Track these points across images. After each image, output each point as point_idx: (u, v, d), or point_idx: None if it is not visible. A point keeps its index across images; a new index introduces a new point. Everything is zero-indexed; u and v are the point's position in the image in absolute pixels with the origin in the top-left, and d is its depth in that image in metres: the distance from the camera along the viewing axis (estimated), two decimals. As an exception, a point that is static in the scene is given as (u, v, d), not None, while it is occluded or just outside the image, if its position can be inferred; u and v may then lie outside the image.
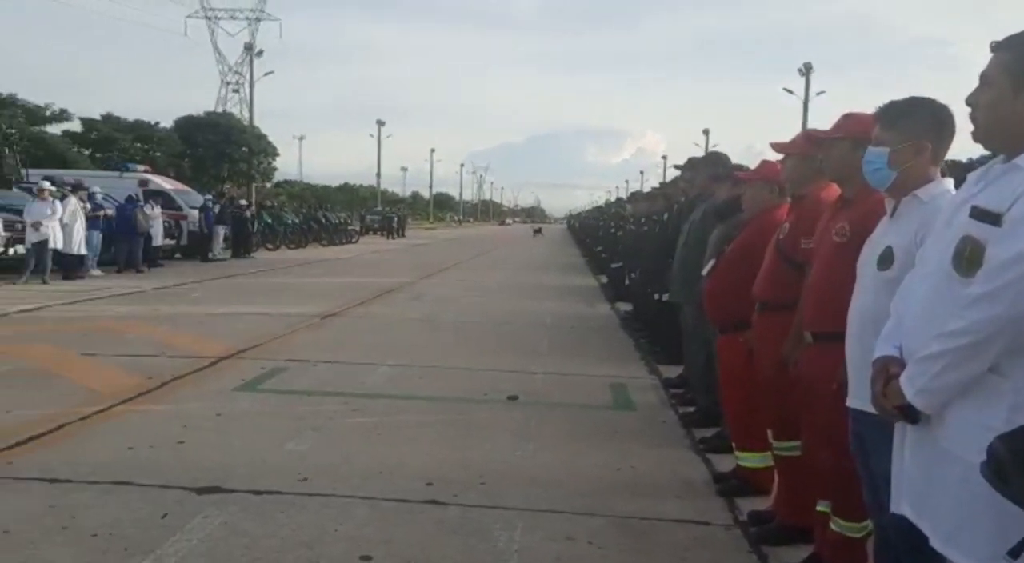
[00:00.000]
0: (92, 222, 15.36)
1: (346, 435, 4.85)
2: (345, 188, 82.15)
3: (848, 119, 2.89)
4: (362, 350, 7.77)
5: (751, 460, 3.92)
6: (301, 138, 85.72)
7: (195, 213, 20.43)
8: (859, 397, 2.22)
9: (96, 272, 15.34)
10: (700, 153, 22.48)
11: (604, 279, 16.08)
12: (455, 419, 5.33)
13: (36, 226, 13.56)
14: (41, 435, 4.61)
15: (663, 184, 10.71)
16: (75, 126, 38.49)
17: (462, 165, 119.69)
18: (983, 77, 1.84)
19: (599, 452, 4.65)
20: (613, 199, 37.83)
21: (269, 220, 27.03)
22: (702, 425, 5.08)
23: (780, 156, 3.63)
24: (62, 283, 13.55)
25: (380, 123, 68.77)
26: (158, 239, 17.94)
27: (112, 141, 38.62)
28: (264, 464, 4.21)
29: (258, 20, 66.37)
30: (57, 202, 14.10)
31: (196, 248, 20.31)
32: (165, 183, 22.07)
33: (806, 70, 40.21)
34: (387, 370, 6.81)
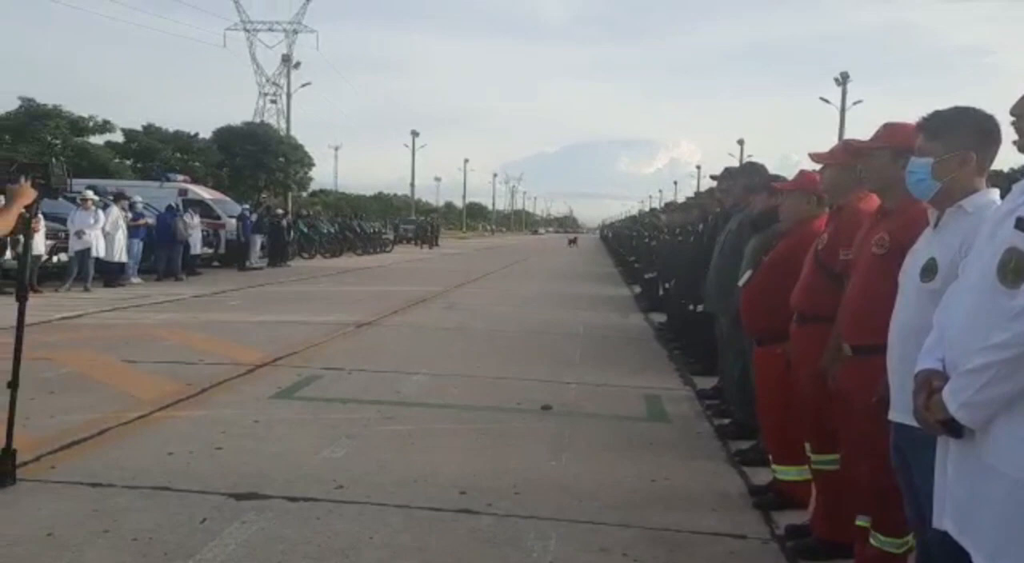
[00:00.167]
0: (133, 231, 15.66)
1: (380, 443, 4.88)
2: (379, 198, 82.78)
3: (888, 129, 2.87)
4: (396, 358, 7.82)
5: (788, 473, 3.87)
6: (337, 148, 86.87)
7: (233, 222, 20.71)
8: (901, 410, 2.19)
9: (136, 280, 15.62)
10: (735, 163, 22.37)
11: (637, 289, 16.01)
12: (488, 428, 5.33)
13: (79, 235, 13.86)
14: (84, 440, 4.70)
15: (698, 194, 10.67)
16: (117, 137, 39.22)
17: (495, 175, 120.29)
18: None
19: (633, 463, 4.63)
20: (646, 209, 37.67)
21: (305, 229, 27.30)
22: (737, 437, 5.04)
23: (818, 166, 3.60)
24: (103, 291, 13.81)
25: (414, 133, 69.32)
26: (197, 248, 18.20)
27: (153, 152, 39.30)
28: (300, 471, 4.26)
29: (296, 32, 67.24)
30: (100, 211, 14.41)
31: (234, 256, 20.57)
32: (204, 193, 22.40)
33: (843, 79, 39.74)
34: (421, 378, 6.84)
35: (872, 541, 2.85)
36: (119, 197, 16.09)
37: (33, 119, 33.79)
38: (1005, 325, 1.70)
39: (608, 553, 3.36)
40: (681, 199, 15.99)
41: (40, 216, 9.28)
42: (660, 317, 10.95)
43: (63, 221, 13.95)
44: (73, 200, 14.10)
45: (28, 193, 3.84)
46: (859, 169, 3.00)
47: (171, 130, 42.35)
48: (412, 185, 72.69)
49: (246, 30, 69.06)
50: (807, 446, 3.48)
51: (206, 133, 43.93)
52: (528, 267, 26.26)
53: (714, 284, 5.42)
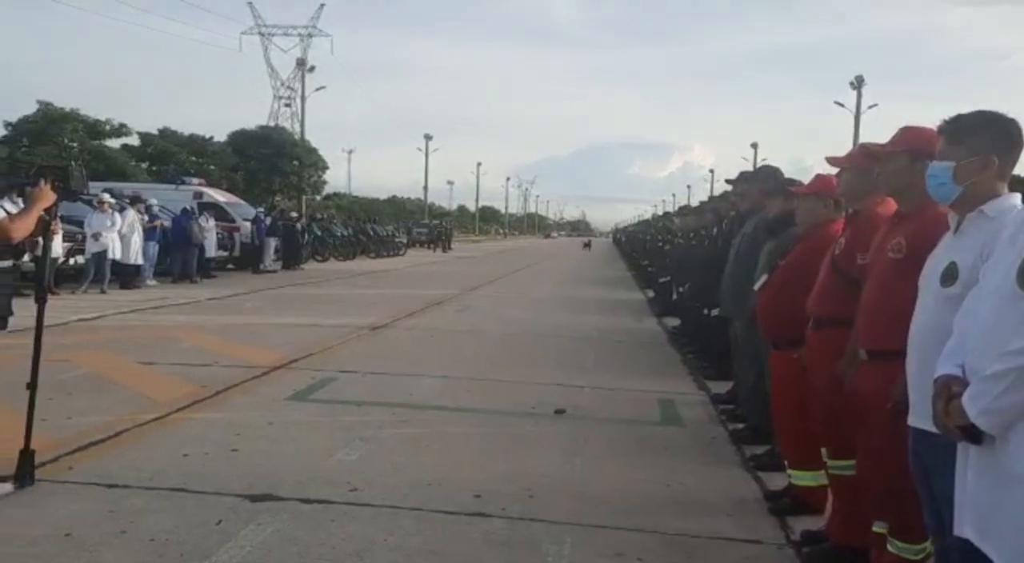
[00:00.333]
0: (149, 233, 15.77)
1: (394, 446, 4.89)
2: (393, 201, 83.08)
3: (905, 132, 2.85)
4: (410, 361, 7.83)
5: (804, 478, 3.85)
6: (350, 152, 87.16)
7: (247, 225, 20.81)
8: (920, 416, 2.18)
9: (152, 282, 15.72)
10: (749, 167, 22.26)
11: (651, 293, 15.98)
12: (502, 432, 5.33)
13: (96, 237, 13.97)
14: (101, 441, 4.73)
15: (712, 198, 10.64)
16: (133, 140, 39.54)
17: (508, 179, 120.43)
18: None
19: (648, 468, 4.62)
20: (659, 213, 37.61)
21: (319, 232, 27.40)
22: (752, 442, 5.02)
23: (834, 170, 3.59)
24: (119, 293, 13.91)
25: (428, 137, 69.53)
26: (212, 250, 18.30)
27: (168, 155, 39.59)
28: (315, 473, 4.27)
29: (310, 36, 67.57)
30: (116, 214, 14.53)
31: (248, 259, 20.67)
32: (219, 196, 22.52)
33: (858, 83, 39.57)
34: (434, 381, 6.85)
35: (890, 547, 2.83)
36: (135, 200, 16.21)
37: (51, 122, 34.12)
38: (1025, 331, 1.69)
39: (623, 558, 3.35)
40: (694, 203, 15.97)
41: (58, 218, 9.35)
42: (674, 321, 10.92)
43: (80, 224, 14.05)
44: (90, 203, 14.21)
45: (48, 196, 3.88)
46: (876, 173, 2.99)
47: (186, 133, 42.66)
48: (425, 188, 72.95)
49: (261, 34, 69.49)
50: (823, 451, 3.46)
51: (221, 137, 44.24)
52: (541, 270, 26.26)
53: (729, 288, 5.40)
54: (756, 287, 4.22)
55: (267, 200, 37.40)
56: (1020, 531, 1.71)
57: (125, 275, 14.79)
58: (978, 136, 2.26)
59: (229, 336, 9.13)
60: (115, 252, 14.26)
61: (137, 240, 15.02)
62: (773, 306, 3.93)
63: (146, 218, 15.94)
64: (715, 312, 6.50)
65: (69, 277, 14.11)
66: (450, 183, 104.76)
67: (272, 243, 21.49)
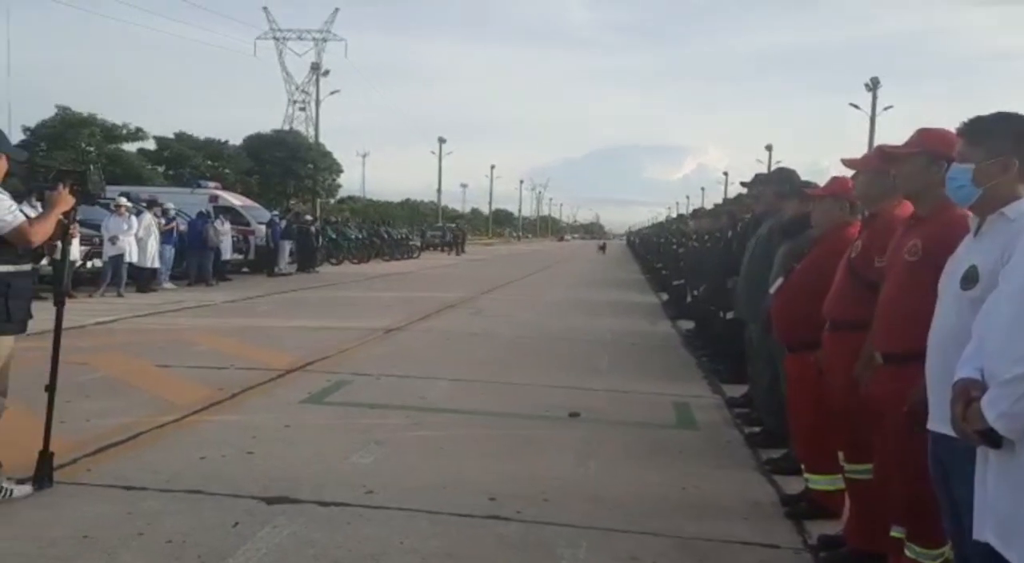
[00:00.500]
0: (165, 237, 15.88)
1: (409, 449, 4.90)
2: (407, 204, 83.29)
3: (922, 134, 2.83)
4: (424, 364, 7.85)
5: (821, 482, 3.83)
6: (365, 155, 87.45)
7: (262, 228, 20.92)
8: (939, 419, 2.16)
9: (168, 285, 15.82)
10: (763, 170, 22.19)
11: (665, 296, 15.94)
12: (516, 434, 5.33)
13: (113, 240, 14.08)
14: (118, 443, 4.77)
15: (727, 201, 10.61)
16: (149, 144, 39.88)
17: (521, 181, 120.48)
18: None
19: (663, 471, 4.61)
20: (673, 216, 37.52)
21: (333, 235, 27.51)
22: (767, 446, 5.00)
23: (850, 172, 3.57)
24: (136, 296, 14.01)
25: (441, 140, 69.75)
26: (227, 253, 18.39)
27: (184, 159, 39.88)
28: (331, 476, 4.28)
29: (325, 41, 67.99)
30: (133, 217, 14.63)
31: (263, 262, 20.77)
32: (234, 199, 22.66)
33: (873, 85, 39.35)
34: (449, 384, 6.86)
35: (907, 552, 2.81)
36: (152, 204, 16.32)
37: (69, 127, 34.46)
38: (1046, 335, 1.68)
39: (638, 561, 3.34)
40: (708, 206, 15.91)
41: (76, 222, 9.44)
42: (688, 324, 10.89)
43: (97, 227, 14.17)
44: (107, 206, 14.32)
45: (67, 200, 3.92)
46: (892, 175, 2.97)
47: (202, 137, 42.98)
48: (439, 192, 73.10)
49: (276, 39, 69.97)
50: (840, 455, 3.44)
51: (236, 140, 44.54)
52: (554, 273, 26.24)
53: (744, 290, 5.38)
54: (772, 290, 4.21)
55: (282, 203, 37.59)
56: (1042, 536, 1.69)
57: (142, 278, 14.89)
58: (998, 137, 2.23)
59: (245, 339, 9.18)
60: (132, 255, 14.36)
61: (153, 243, 15.12)
62: (788, 309, 3.91)
63: (163, 221, 16.06)
64: (730, 315, 6.49)
65: (86, 280, 14.23)
66: (464, 186, 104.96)
67: (287, 246, 21.59)
